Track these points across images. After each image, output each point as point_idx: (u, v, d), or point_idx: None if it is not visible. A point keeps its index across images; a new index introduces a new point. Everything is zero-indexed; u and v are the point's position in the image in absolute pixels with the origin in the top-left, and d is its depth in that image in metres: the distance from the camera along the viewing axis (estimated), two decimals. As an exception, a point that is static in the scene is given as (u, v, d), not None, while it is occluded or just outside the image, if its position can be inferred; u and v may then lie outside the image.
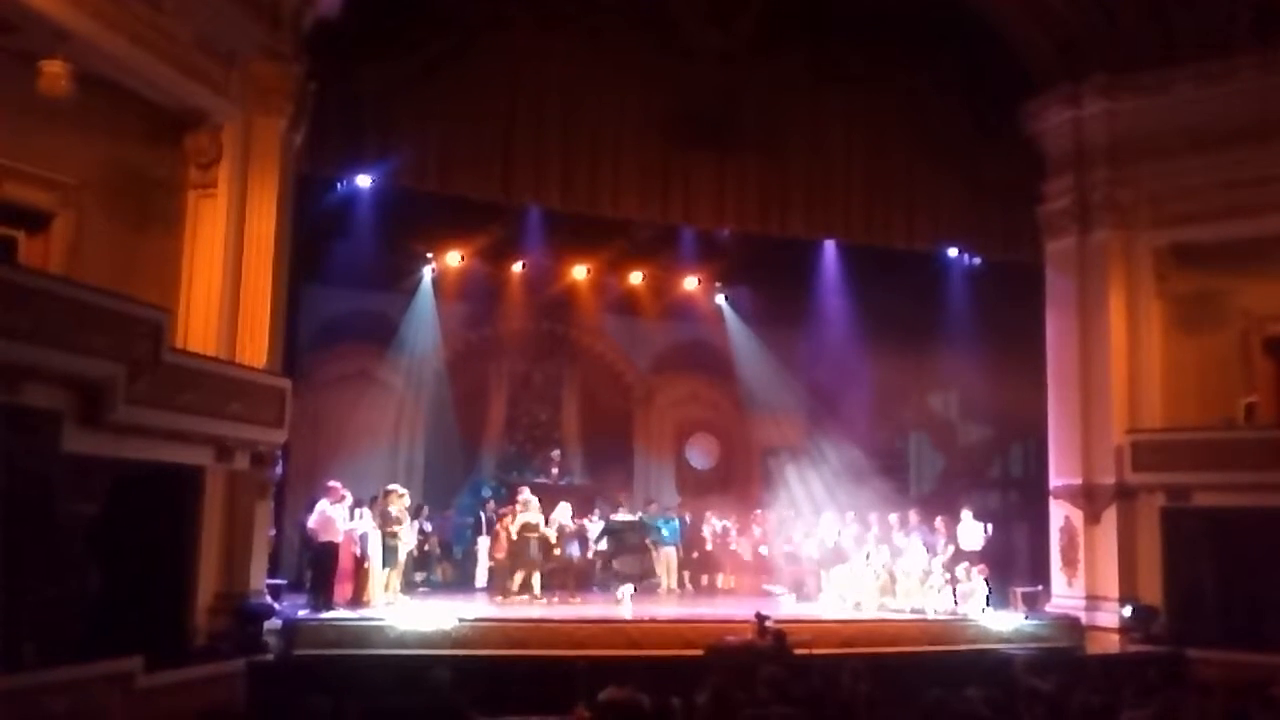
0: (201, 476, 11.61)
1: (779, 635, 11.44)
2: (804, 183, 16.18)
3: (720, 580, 18.59)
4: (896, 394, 20.51)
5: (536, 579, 15.33)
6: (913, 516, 16.94)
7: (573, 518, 16.23)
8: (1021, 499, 18.85)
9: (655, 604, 15.83)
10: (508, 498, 16.68)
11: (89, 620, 9.69)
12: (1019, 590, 15.89)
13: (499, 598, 15.19)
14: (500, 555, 15.61)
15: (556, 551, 15.78)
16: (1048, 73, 16.44)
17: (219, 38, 12.26)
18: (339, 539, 13.50)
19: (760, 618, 12.05)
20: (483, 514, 17.14)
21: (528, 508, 15.47)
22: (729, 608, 15.51)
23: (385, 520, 13.98)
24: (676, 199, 15.67)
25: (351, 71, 13.88)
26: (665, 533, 17.63)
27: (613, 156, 15.33)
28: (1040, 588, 16.16)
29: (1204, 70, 15.23)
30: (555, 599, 15.33)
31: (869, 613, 15.15)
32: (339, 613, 12.95)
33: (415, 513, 16.71)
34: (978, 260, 17.66)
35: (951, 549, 15.94)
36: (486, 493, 17.99)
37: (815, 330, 20.24)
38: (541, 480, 18.46)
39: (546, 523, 15.57)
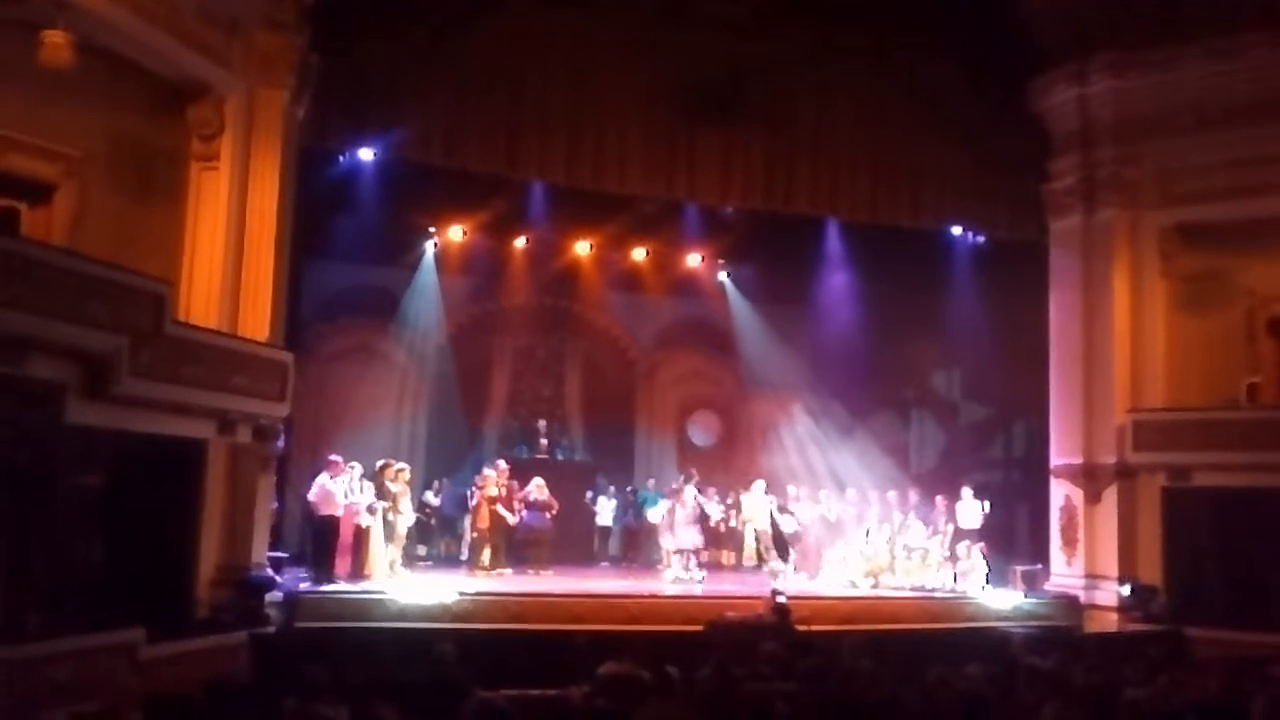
0: (204, 449, 11.63)
1: (783, 611, 11.49)
2: (809, 159, 16.08)
3: (724, 557, 18.67)
4: (899, 372, 20.47)
5: (487, 553, 15.48)
6: (913, 494, 17.00)
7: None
8: (1022, 478, 18.82)
9: (655, 579, 15.87)
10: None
11: (92, 591, 9.73)
12: (1019, 569, 15.89)
13: (479, 571, 15.29)
14: (483, 526, 15.69)
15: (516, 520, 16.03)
16: (1054, 49, 16.26)
17: (221, 7, 12.20)
18: (339, 512, 13.53)
19: (775, 593, 12.11)
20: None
21: (488, 482, 15.74)
22: (729, 584, 15.55)
23: (381, 495, 14.03)
24: (681, 174, 15.59)
25: (355, 44, 13.77)
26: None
27: (618, 131, 15.26)
28: (1040, 566, 16.16)
29: (1212, 47, 15.08)
30: (529, 572, 15.59)
31: (868, 590, 15.20)
32: (340, 586, 13.00)
33: (426, 486, 16.79)
34: (982, 239, 17.58)
35: (951, 527, 16.00)
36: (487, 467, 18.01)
37: (818, 308, 20.26)
38: (541, 456, 18.51)
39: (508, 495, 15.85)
